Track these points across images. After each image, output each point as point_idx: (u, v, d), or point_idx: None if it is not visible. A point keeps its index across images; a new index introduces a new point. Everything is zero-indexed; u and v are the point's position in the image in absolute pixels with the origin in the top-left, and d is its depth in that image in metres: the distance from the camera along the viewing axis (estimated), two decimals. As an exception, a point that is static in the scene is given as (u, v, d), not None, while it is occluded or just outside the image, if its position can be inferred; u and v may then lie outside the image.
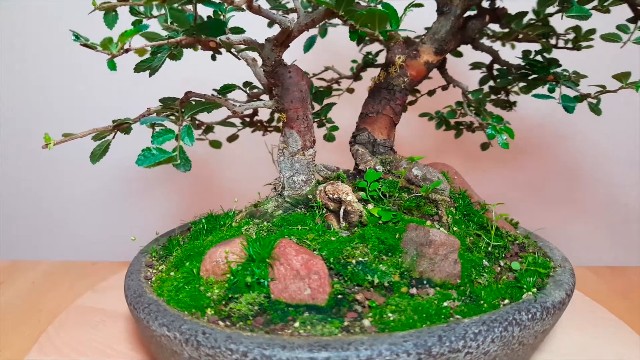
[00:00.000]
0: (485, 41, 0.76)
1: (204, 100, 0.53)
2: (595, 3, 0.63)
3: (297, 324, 0.43)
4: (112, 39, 0.38)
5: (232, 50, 0.55)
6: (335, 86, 0.84)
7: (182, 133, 0.47)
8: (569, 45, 0.71)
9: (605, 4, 0.61)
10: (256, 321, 0.43)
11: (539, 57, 0.71)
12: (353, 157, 0.65)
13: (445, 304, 0.46)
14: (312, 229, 0.52)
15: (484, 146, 0.86)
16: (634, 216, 1.01)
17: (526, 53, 0.72)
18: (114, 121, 0.52)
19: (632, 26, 0.62)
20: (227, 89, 0.61)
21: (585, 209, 1.04)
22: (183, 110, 0.50)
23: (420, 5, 0.64)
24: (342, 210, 0.54)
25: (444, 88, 0.79)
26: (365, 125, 0.65)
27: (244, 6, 0.43)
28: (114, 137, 0.53)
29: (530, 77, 0.73)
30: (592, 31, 0.69)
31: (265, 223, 0.55)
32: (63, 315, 0.68)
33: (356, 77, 0.86)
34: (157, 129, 0.55)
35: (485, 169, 1.05)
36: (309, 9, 0.71)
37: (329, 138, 0.80)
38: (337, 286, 0.46)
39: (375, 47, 0.86)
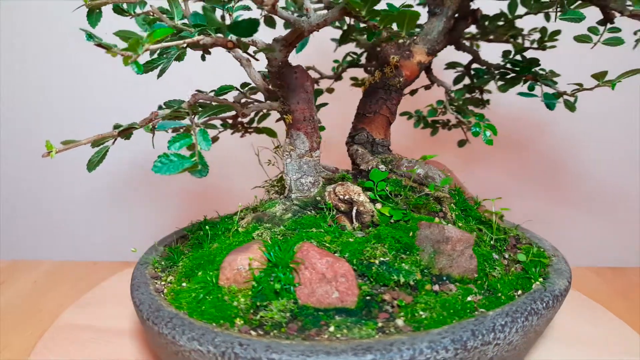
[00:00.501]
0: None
1: (211, 102, 0.50)
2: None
3: (332, 329, 0.42)
4: (138, 40, 0.35)
5: (236, 51, 0.54)
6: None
7: (198, 137, 0.44)
8: (535, 45, 0.76)
9: (572, 7, 0.65)
10: (290, 328, 0.42)
11: (518, 57, 0.74)
12: (351, 157, 0.65)
13: (469, 298, 0.47)
14: (327, 231, 0.52)
15: (461, 143, 0.89)
16: (635, 216, 1.04)
17: (506, 53, 0.75)
18: (117, 126, 0.48)
19: (601, 28, 0.66)
20: (224, 90, 0.59)
21: (586, 209, 1.05)
22: (194, 112, 0.48)
23: (409, 6, 0.65)
24: (354, 211, 0.54)
25: (427, 87, 0.81)
26: (363, 125, 0.65)
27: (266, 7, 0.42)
28: (113, 143, 0.50)
29: (508, 76, 0.77)
30: (557, 32, 0.73)
31: (278, 227, 0.54)
32: (47, 335, 0.62)
33: (338, 77, 0.86)
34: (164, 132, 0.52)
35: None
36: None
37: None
38: (365, 287, 0.46)
39: (349, 47, 0.87)
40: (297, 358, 0.38)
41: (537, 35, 0.76)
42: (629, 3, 0.63)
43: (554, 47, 0.76)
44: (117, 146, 0.56)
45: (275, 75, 0.54)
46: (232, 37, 0.45)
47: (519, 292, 0.50)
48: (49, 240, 1.08)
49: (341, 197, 0.54)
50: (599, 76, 0.66)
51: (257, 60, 0.50)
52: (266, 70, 0.55)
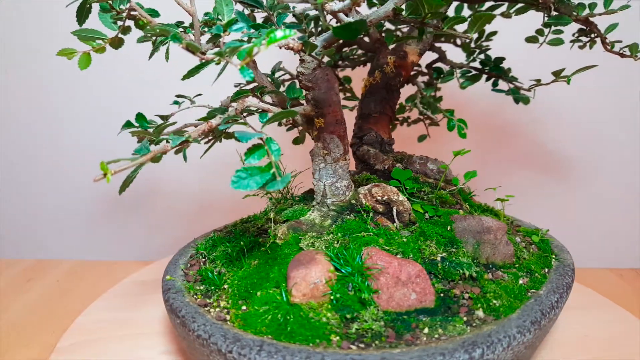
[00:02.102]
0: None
1: (259, 109, 0.47)
2: (503, 9, 0.75)
3: (426, 330, 0.42)
4: (253, 46, 0.31)
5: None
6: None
7: (267, 145, 0.41)
8: (472, 45, 0.83)
9: (511, 11, 0.74)
10: (388, 336, 0.41)
11: (482, 56, 0.81)
12: (361, 158, 0.65)
13: (520, 282, 0.51)
14: (378, 234, 0.51)
15: (421, 138, 0.94)
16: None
17: (471, 53, 0.81)
18: (159, 140, 0.42)
19: (546, 30, 0.75)
20: (240, 94, 0.55)
21: (611, 210, 1.06)
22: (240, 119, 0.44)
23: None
24: (395, 211, 0.54)
25: (401, 86, 0.84)
26: (370, 125, 0.65)
27: (337, 6, 0.40)
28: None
29: (469, 74, 0.83)
30: (494, 33, 0.81)
31: (324, 235, 0.52)
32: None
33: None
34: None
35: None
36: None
37: (298, 141, 0.78)
38: (438, 285, 0.47)
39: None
40: (416, 364, 0.38)
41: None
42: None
43: (488, 47, 0.83)
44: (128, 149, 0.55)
45: (308, 78, 0.52)
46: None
47: (546, 269, 0.56)
48: (71, 240, 1.13)
49: (378, 198, 0.55)
50: (557, 73, 0.75)
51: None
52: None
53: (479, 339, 0.41)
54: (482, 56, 0.81)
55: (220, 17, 0.43)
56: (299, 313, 0.43)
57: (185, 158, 0.49)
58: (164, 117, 0.64)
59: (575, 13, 0.71)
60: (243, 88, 0.58)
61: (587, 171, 1.06)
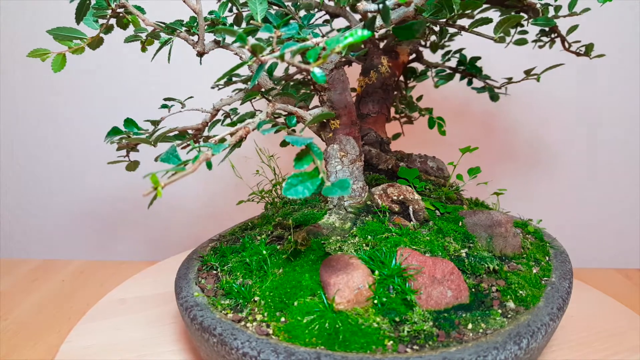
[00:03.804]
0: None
1: (286, 111, 0.45)
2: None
3: (470, 326, 0.43)
4: (330, 48, 0.30)
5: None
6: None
7: (312, 150, 0.40)
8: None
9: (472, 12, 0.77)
10: (439, 335, 0.42)
11: (457, 55, 0.84)
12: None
13: (534, 271, 0.53)
14: (402, 234, 0.52)
15: (395, 136, 0.96)
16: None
17: (447, 53, 0.84)
18: (190, 148, 0.39)
19: (512, 31, 0.80)
20: (251, 96, 0.52)
21: (617, 210, 1.05)
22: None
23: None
24: (411, 210, 0.55)
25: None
26: (369, 125, 0.65)
27: (371, 6, 0.40)
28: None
29: (444, 73, 0.86)
30: (456, 34, 0.85)
31: (347, 238, 0.51)
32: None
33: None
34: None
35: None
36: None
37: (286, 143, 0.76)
38: (468, 281, 0.48)
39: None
40: (476, 360, 0.39)
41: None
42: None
43: (450, 50, 0.87)
44: (139, 155, 0.59)
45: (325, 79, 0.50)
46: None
47: (547, 257, 0.59)
48: (77, 240, 1.13)
49: (394, 198, 0.55)
50: (528, 72, 0.80)
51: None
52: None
53: (521, 330, 0.43)
54: (457, 55, 0.84)
55: (254, 15, 0.40)
56: (347, 320, 0.42)
57: (209, 166, 0.46)
58: (155, 122, 0.60)
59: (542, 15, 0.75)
60: (248, 91, 0.55)
61: (591, 171, 1.06)
